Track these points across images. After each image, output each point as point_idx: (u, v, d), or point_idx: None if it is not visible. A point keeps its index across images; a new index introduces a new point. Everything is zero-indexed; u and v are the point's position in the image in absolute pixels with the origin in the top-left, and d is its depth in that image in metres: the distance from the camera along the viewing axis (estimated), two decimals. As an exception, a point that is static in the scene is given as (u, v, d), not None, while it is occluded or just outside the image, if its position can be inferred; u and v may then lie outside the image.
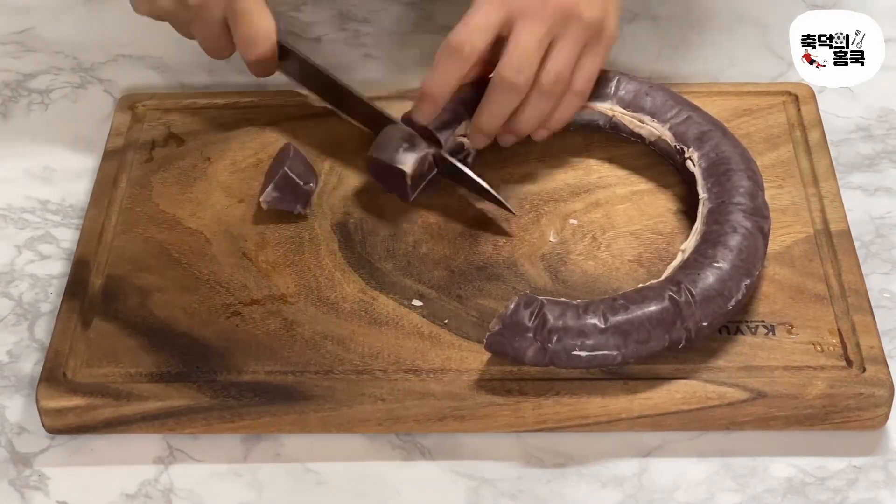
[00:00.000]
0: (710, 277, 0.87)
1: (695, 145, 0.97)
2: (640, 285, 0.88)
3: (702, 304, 0.86)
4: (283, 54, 1.02)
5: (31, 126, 1.11)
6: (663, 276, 0.89)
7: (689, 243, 0.91)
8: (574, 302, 0.86)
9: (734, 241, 0.89)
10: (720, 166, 0.95)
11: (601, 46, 0.97)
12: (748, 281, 0.88)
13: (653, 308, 0.85)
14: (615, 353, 0.85)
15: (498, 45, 0.95)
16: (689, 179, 0.97)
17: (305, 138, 1.02)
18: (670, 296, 0.86)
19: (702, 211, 0.93)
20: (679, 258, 0.90)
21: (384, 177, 0.98)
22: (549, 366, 0.85)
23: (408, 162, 0.96)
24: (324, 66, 1.02)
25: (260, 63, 1.00)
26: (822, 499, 0.84)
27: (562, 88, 0.96)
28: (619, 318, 0.85)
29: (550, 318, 0.85)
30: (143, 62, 1.15)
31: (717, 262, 0.88)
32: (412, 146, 0.97)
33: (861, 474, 0.85)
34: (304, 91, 1.05)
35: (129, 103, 1.07)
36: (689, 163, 0.96)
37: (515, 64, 0.94)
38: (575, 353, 0.85)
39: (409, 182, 0.97)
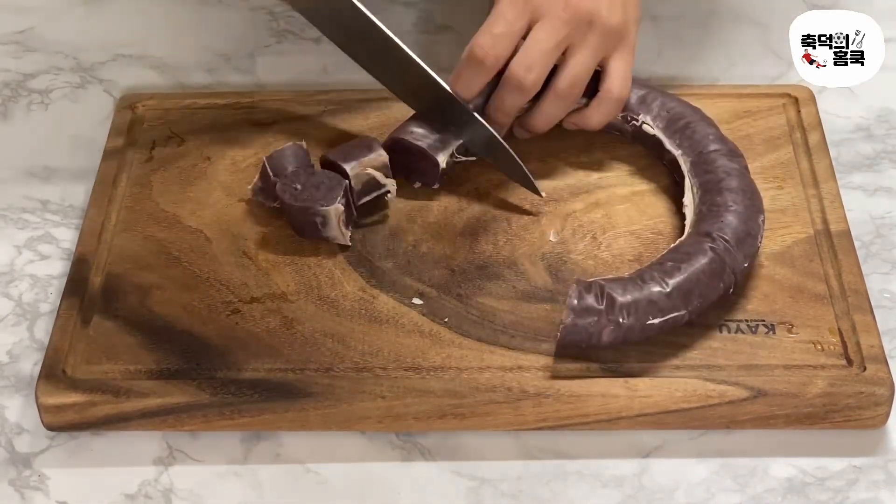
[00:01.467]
0: (734, 221, 0.89)
1: (641, 109, 0.98)
2: (667, 247, 0.90)
3: (738, 247, 0.88)
4: None
5: (31, 126, 1.11)
6: (685, 234, 0.91)
7: (688, 198, 0.93)
8: (625, 276, 0.87)
9: (734, 183, 0.92)
10: (678, 121, 0.97)
11: (626, 51, 0.97)
12: (762, 217, 0.91)
13: (703, 262, 0.87)
14: (683, 312, 0.86)
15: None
16: (653, 143, 0.98)
17: (305, 138, 1.02)
18: (710, 247, 0.88)
19: (684, 167, 0.95)
20: (689, 215, 0.92)
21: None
22: (623, 343, 0.86)
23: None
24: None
25: None
26: (822, 499, 0.84)
27: (577, 93, 0.96)
28: (678, 278, 0.86)
29: (616, 295, 0.85)
30: (143, 62, 1.15)
31: (731, 205, 0.90)
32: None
33: (861, 474, 0.85)
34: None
35: (129, 103, 1.07)
36: (645, 127, 0.97)
37: (526, 62, 0.94)
38: (648, 322, 0.85)
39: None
